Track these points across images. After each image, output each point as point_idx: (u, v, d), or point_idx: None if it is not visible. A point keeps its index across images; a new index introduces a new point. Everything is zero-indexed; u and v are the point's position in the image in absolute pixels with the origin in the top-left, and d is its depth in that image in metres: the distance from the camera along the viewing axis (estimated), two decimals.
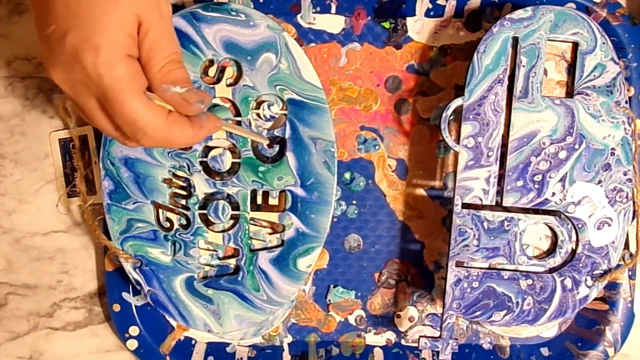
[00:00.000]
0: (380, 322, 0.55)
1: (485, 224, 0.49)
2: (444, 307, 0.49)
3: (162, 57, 0.38)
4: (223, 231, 0.50)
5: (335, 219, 0.53)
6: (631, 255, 0.51)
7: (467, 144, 0.48)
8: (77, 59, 0.35)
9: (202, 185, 0.50)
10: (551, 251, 0.51)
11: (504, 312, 0.49)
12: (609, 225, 0.49)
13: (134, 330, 0.53)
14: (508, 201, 0.49)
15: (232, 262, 0.51)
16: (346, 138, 0.53)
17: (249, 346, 0.55)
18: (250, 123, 0.49)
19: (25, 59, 0.53)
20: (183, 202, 0.50)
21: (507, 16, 0.48)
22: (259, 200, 0.51)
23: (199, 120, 0.40)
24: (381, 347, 0.55)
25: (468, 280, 0.49)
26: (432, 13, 0.51)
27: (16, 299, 0.55)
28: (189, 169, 0.49)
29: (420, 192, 0.54)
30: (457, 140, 0.49)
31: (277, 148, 0.50)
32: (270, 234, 0.50)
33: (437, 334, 0.53)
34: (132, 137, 0.38)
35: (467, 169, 0.49)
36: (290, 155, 0.49)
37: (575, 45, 0.49)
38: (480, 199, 0.49)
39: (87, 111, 0.38)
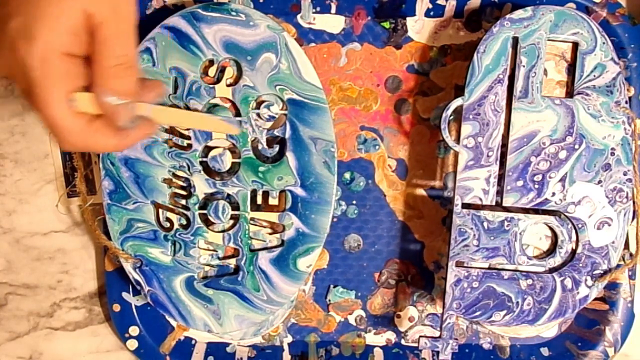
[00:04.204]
0: (380, 322, 0.55)
1: (485, 224, 0.49)
2: (444, 307, 0.49)
3: (110, 55, 0.36)
4: (223, 231, 0.50)
5: (335, 219, 0.53)
6: (631, 255, 0.51)
7: (467, 144, 0.48)
8: (14, 46, 0.34)
9: (202, 185, 0.50)
10: (551, 251, 0.51)
11: (504, 312, 0.49)
12: (609, 225, 0.49)
13: (134, 330, 0.53)
14: (508, 201, 0.49)
15: (232, 262, 0.51)
16: (346, 138, 0.53)
17: (249, 346, 0.55)
18: (250, 123, 0.49)
19: None
20: (183, 202, 0.50)
21: (507, 16, 0.48)
22: (259, 200, 0.51)
23: (125, 130, 0.38)
24: (381, 347, 0.55)
25: (468, 280, 0.49)
26: (432, 13, 0.51)
27: (16, 299, 0.55)
28: (189, 169, 0.49)
29: (420, 192, 0.54)
30: (457, 140, 0.49)
31: (277, 148, 0.50)
32: (270, 234, 0.50)
33: (437, 334, 0.53)
34: (52, 135, 0.37)
35: (467, 169, 0.49)
36: (290, 155, 0.49)
37: (575, 45, 0.49)
38: (480, 199, 0.49)
39: (24, 97, 0.37)
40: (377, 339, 0.55)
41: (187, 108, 0.48)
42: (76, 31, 0.35)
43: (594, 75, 0.48)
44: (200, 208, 0.50)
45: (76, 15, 0.35)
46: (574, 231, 0.49)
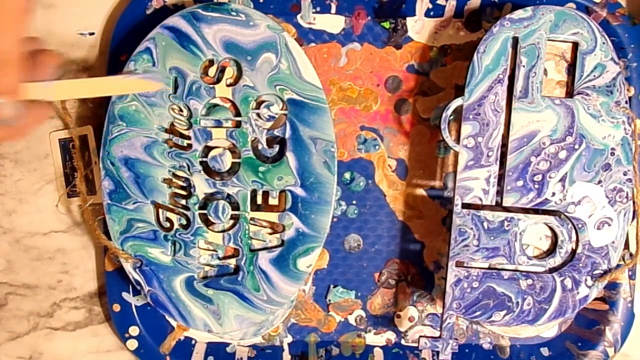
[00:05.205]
0: (380, 322, 0.55)
1: (485, 224, 0.49)
2: (444, 307, 0.49)
3: None
4: (223, 231, 0.50)
5: (335, 219, 0.53)
6: (631, 255, 0.51)
7: (467, 144, 0.48)
8: None
9: (202, 185, 0.50)
10: (551, 251, 0.51)
11: (504, 312, 0.49)
12: (609, 225, 0.49)
13: (134, 330, 0.53)
14: (508, 201, 0.49)
15: (232, 262, 0.51)
16: (346, 138, 0.53)
17: (249, 346, 0.55)
18: (249, 122, 0.49)
19: None
20: (183, 202, 0.50)
21: (507, 16, 0.48)
22: (259, 200, 0.51)
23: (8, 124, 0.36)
24: (381, 347, 0.55)
25: (468, 280, 0.49)
26: (432, 13, 0.51)
27: (16, 299, 0.55)
28: (189, 169, 0.49)
29: (420, 192, 0.54)
30: (457, 140, 0.49)
31: (277, 148, 0.50)
32: (270, 234, 0.50)
33: (437, 334, 0.53)
34: None
35: (467, 169, 0.49)
36: (290, 155, 0.49)
37: (575, 45, 0.49)
38: (480, 199, 0.49)
39: None
40: (377, 339, 0.55)
41: (185, 110, 0.48)
42: None
43: (594, 75, 0.48)
44: (200, 208, 0.50)
45: None
46: (574, 231, 0.49)
